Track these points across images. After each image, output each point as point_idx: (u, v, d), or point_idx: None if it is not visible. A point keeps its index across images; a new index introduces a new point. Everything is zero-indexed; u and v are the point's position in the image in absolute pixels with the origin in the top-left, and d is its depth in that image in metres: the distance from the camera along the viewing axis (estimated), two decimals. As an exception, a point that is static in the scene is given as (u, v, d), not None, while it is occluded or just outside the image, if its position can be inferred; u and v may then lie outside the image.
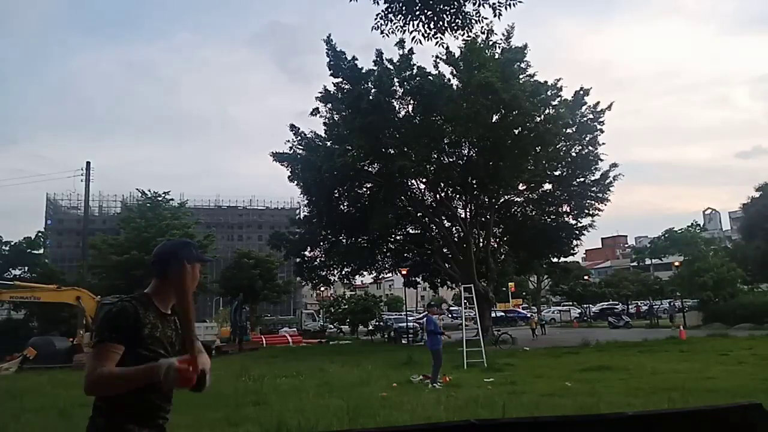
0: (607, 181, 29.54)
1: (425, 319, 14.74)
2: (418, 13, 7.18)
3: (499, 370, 14.11)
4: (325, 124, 28.70)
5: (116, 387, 2.10)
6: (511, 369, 14.51)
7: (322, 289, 47.36)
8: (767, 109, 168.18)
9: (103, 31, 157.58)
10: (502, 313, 47.55)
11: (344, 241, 30.68)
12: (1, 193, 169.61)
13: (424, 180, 28.21)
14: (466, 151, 27.79)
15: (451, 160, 28.19)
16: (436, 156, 26.98)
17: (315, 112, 28.03)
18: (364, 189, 29.36)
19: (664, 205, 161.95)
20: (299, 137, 28.62)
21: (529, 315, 44.18)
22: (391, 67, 26.05)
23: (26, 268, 33.48)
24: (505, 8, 7.28)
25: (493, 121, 25.31)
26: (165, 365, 2.06)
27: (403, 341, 30.23)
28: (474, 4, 7.18)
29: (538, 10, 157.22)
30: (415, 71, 25.84)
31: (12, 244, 33.54)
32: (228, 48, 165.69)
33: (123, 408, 2.18)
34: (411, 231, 32.14)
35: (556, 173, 29.65)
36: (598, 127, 29.00)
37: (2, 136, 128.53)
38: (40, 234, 35.91)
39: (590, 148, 29.18)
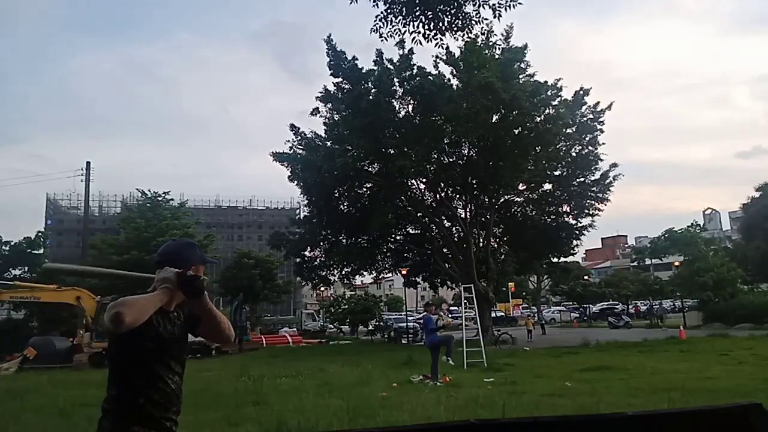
0: (607, 181, 29.54)
1: (424, 318, 14.86)
2: (418, 14, 7.19)
3: (499, 370, 14.11)
4: (325, 124, 28.69)
5: (139, 304, 2.11)
6: (511, 369, 14.50)
7: (322, 289, 47.37)
8: (767, 109, 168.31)
9: (103, 31, 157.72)
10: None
11: (344, 241, 30.67)
12: (1, 193, 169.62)
13: (424, 180, 28.22)
14: (466, 151, 27.79)
15: (451, 160, 28.19)
16: (436, 156, 26.98)
17: (315, 112, 28.03)
18: (364, 189, 29.35)
19: (664, 205, 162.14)
20: (299, 137, 28.61)
21: (528, 314, 44.03)
22: (391, 67, 26.05)
23: (26, 268, 33.47)
24: (505, 9, 7.28)
25: (493, 121, 25.31)
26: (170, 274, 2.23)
27: (403, 341, 30.25)
28: (474, 5, 7.19)
29: (537, 11, 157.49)
30: (415, 71, 25.83)
31: (12, 244, 33.51)
32: (228, 47, 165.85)
33: (128, 410, 2.19)
34: (411, 231, 32.14)
35: (556, 173, 29.65)
36: (598, 127, 29.00)
37: (2, 136, 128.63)
38: (40, 234, 35.86)
39: (590, 148, 29.18)
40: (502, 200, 30.17)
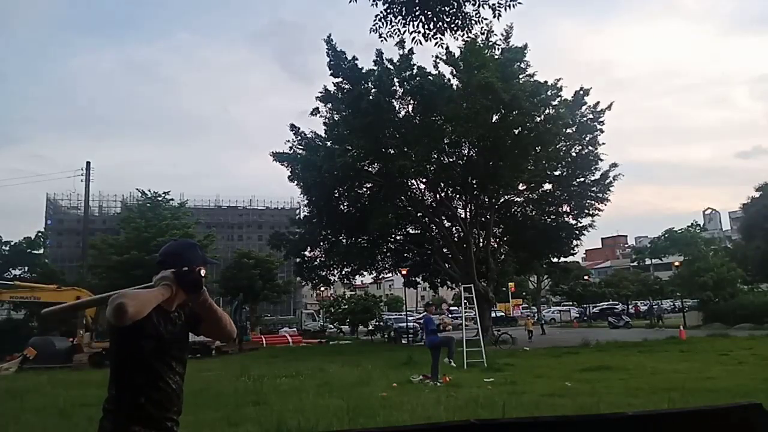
0: (607, 181, 29.54)
1: (424, 319, 14.82)
2: (417, 13, 7.18)
3: (499, 370, 14.11)
4: (325, 124, 28.70)
5: (141, 296, 2.11)
6: (511, 369, 14.50)
7: (322, 289, 47.36)
8: (767, 109, 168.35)
9: (103, 31, 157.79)
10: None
11: (344, 241, 30.66)
12: (1, 193, 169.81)
13: (424, 180, 28.21)
14: (466, 151, 27.78)
15: (451, 160, 28.18)
16: (436, 156, 26.97)
17: (315, 112, 28.03)
18: (364, 189, 29.35)
19: (664, 205, 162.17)
20: (299, 137, 28.61)
21: (528, 315, 43.91)
22: (391, 67, 26.04)
23: (26, 268, 33.50)
24: (505, 9, 7.27)
25: (493, 121, 25.30)
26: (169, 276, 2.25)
27: (403, 341, 30.24)
28: (474, 4, 7.17)
29: (537, 11, 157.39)
30: (415, 71, 25.82)
31: (12, 244, 33.56)
32: (229, 47, 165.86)
33: (129, 410, 2.19)
34: (411, 231, 32.13)
35: (556, 173, 29.64)
36: (598, 127, 29.00)
37: (2, 136, 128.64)
38: (40, 234, 35.93)
39: (590, 148, 29.18)
40: (502, 200, 30.16)
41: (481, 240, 30.30)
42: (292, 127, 28.55)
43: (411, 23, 7.26)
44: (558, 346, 21.69)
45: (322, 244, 31.33)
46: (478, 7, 7.20)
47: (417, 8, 7.17)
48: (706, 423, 2.24)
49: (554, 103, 26.80)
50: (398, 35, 7.50)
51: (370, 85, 25.82)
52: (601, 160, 29.26)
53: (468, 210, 30.02)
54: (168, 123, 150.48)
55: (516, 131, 25.69)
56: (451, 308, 54.53)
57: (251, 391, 11.03)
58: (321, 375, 13.94)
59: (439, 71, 26.85)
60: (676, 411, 3.05)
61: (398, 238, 31.90)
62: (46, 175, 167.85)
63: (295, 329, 42.31)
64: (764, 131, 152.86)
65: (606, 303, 52.82)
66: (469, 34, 7.91)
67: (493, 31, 23.71)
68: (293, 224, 34.68)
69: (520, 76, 26.11)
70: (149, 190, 35.93)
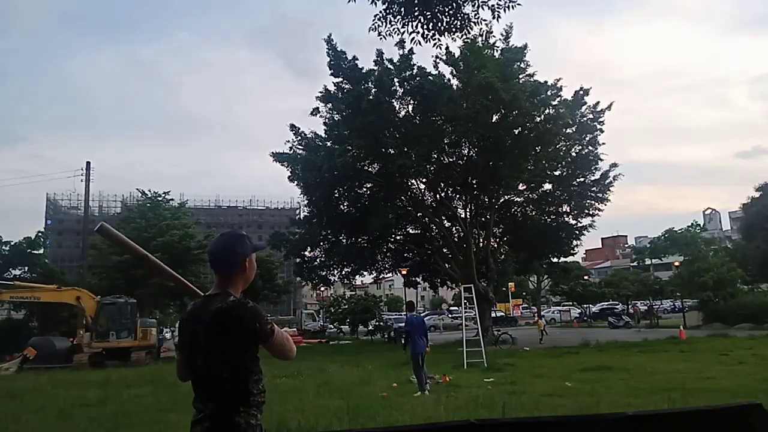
0: (607, 181, 29.53)
1: (418, 319, 13.34)
2: (416, 14, 7.17)
3: (499, 370, 14.12)
4: (325, 124, 28.70)
5: None
6: (511, 369, 14.51)
7: (322, 289, 47.36)
8: (767, 109, 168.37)
9: (103, 31, 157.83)
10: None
11: (344, 241, 30.66)
12: (1, 193, 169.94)
13: (424, 180, 28.21)
14: (466, 151, 27.78)
15: (451, 160, 28.18)
16: (436, 156, 26.97)
17: (315, 111, 28.04)
18: (364, 189, 29.35)
19: (664, 205, 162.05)
20: (299, 137, 28.62)
21: (540, 316, 43.30)
22: (392, 67, 26.04)
23: (26, 268, 33.44)
24: (504, 10, 7.25)
25: (493, 121, 25.28)
26: None
27: (403, 341, 30.19)
28: (473, 5, 7.17)
29: (537, 11, 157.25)
30: (415, 71, 25.83)
31: (12, 244, 33.50)
32: (231, 46, 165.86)
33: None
34: (411, 231, 32.12)
35: (556, 173, 29.61)
36: (598, 127, 28.97)
37: (2, 136, 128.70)
38: (40, 234, 35.85)
39: (590, 148, 29.16)
40: (502, 200, 30.14)
41: (481, 240, 30.29)
42: (292, 127, 28.59)
43: (410, 23, 7.26)
44: (558, 346, 21.68)
45: (322, 244, 31.32)
46: (477, 7, 7.19)
47: (416, 9, 7.16)
48: (706, 423, 2.24)
49: (554, 103, 26.76)
50: (398, 34, 7.49)
51: (370, 85, 25.81)
52: (601, 160, 29.29)
53: (468, 210, 30.01)
54: (168, 123, 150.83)
55: (516, 131, 25.66)
56: (451, 308, 54.51)
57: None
58: (321, 375, 13.96)
59: (439, 71, 26.89)
60: (676, 411, 3.05)
61: (398, 238, 31.89)
62: (46, 175, 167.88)
63: (295, 329, 42.26)
64: (764, 131, 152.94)
65: (606, 303, 52.79)
66: (468, 35, 7.90)
67: (492, 32, 23.70)
68: (293, 224, 34.65)
69: (520, 76, 26.08)
70: (149, 190, 35.85)
